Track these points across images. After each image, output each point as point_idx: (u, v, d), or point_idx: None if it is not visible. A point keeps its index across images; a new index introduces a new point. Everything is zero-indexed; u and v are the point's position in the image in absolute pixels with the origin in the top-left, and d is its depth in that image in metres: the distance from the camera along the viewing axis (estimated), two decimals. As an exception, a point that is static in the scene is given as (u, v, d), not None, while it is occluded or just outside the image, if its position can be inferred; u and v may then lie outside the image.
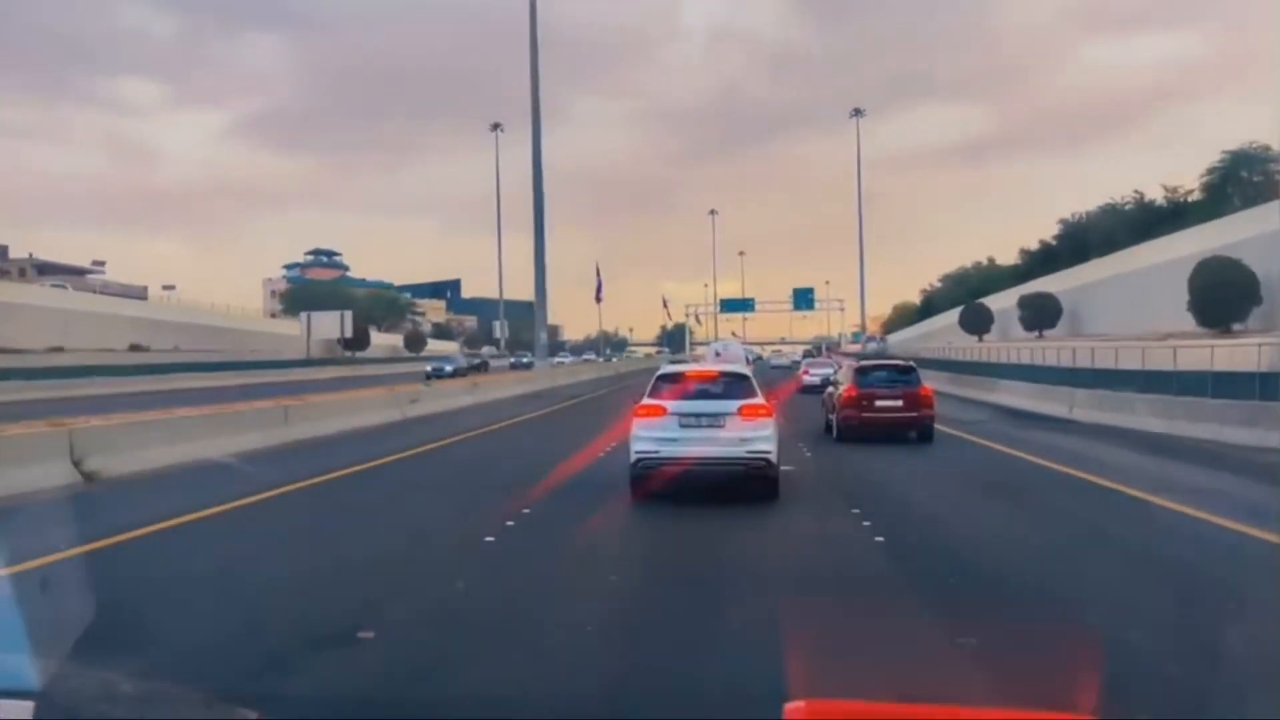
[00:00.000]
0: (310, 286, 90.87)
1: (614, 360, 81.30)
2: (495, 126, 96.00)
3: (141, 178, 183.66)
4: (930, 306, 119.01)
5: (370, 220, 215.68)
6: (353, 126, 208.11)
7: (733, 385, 11.84)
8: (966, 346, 58.74)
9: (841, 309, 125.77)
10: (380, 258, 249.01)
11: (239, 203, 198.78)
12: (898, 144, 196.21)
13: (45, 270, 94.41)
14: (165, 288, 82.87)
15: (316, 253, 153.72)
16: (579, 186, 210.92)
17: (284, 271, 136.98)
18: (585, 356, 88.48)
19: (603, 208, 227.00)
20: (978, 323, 64.87)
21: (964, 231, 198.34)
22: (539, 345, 47.69)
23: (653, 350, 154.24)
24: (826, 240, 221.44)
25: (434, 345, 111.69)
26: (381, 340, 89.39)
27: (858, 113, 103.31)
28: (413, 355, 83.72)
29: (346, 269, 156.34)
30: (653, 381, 12.05)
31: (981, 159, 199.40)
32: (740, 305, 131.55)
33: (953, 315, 74.26)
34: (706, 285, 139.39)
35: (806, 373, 38.53)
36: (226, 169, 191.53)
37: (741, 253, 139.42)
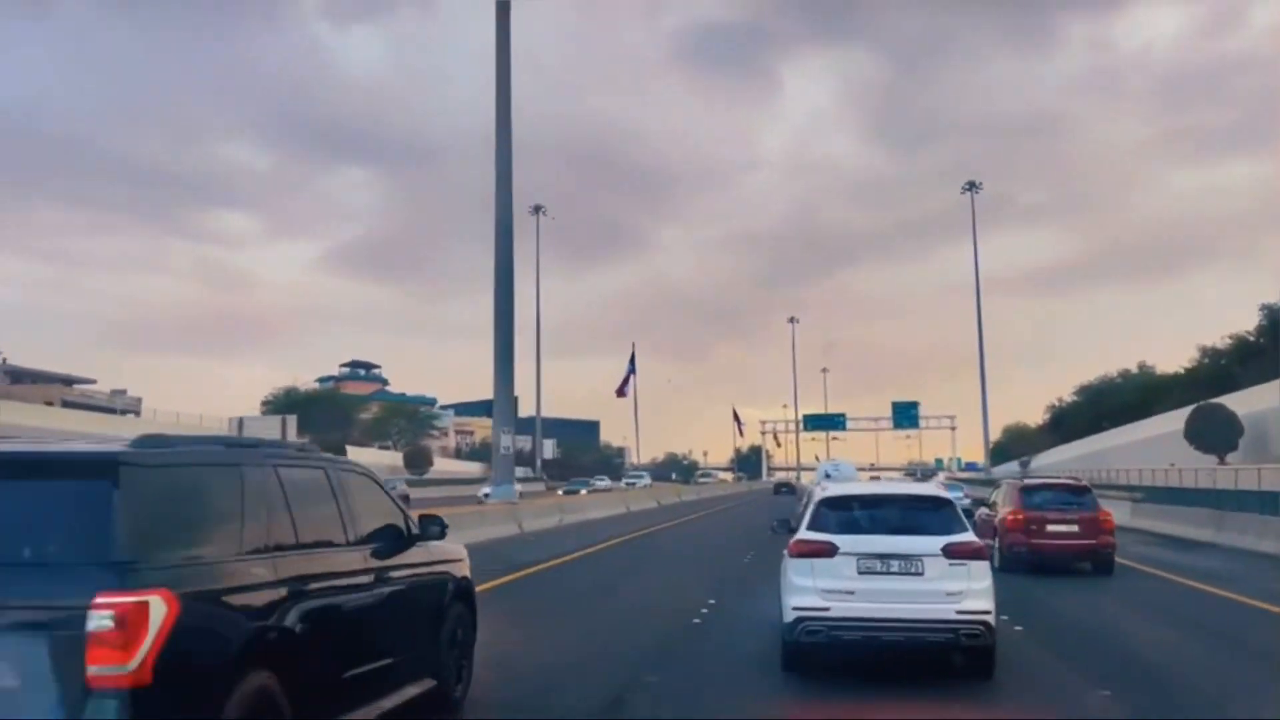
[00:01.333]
0: (292, 395, 74.97)
1: (630, 486, 58.96)
2: (536, 209, 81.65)
3: (230, 305, 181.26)
4: (1062, 422, 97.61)
5: (449, 343, 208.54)
6: (437, 253, 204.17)
7: (929, 513, 8.43)
8: (1195, 468, 37.48)
9: (952, 427, 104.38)
10: (449, 380, 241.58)
11: (321, 329, 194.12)
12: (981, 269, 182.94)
13: (19, 378, 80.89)
14: (114, 391, 67.30)
15: (353, 365, 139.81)
16: (656, 312, 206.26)
17: (316, 384, 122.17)
18: (597, 481, 66.33)
19: (680, 333, 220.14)
20: (1219, 433, 42.88)
21: (1060, 356, 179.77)
22: (496, 463, 28.96)
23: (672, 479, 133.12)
24: (912, 366, 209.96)
25: (457, 466, 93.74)
26: (371, 457, 72.06)
27: (972, 186, 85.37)
28: (416, 477, 65.22)
29: (385, 383, 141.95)
30: (813, 507, 8.64)
31: (1066, 284, 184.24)
32: (827, 423, 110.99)
33: (1165, 422, 52.66)
34: (785, 406, 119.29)
35: None
36: (311, 296, 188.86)
37: (825, 370, 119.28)
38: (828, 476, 31.12)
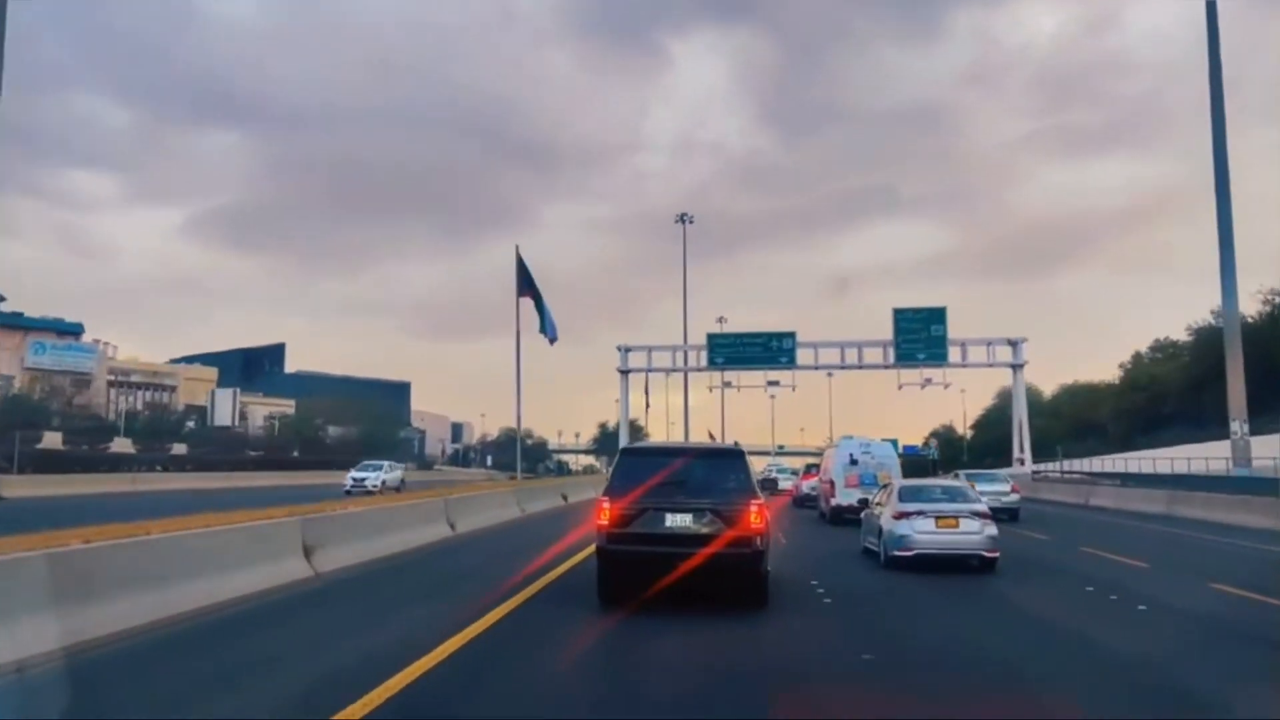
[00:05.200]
0: None
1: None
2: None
3: (89, 272, 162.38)
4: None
5: (324, 319, 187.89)
6: (309, 226, 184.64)
7: None
8: None
9: (1015, 364, 53.41)
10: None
11: (185, 299, 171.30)
12: (859, 260, 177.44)
13: None
14: None
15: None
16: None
17: None
18: None
19: (564, 312, 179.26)
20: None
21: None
22: None
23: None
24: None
25: None
26: None
27: None
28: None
29: None
30: None
31: (947, 276, 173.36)
32: (762, 350, 58.28)
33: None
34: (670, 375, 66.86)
35: None
36: (176, 265, 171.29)
37: (721, 319, 68.21)
38: (853, 463, 24.45)
